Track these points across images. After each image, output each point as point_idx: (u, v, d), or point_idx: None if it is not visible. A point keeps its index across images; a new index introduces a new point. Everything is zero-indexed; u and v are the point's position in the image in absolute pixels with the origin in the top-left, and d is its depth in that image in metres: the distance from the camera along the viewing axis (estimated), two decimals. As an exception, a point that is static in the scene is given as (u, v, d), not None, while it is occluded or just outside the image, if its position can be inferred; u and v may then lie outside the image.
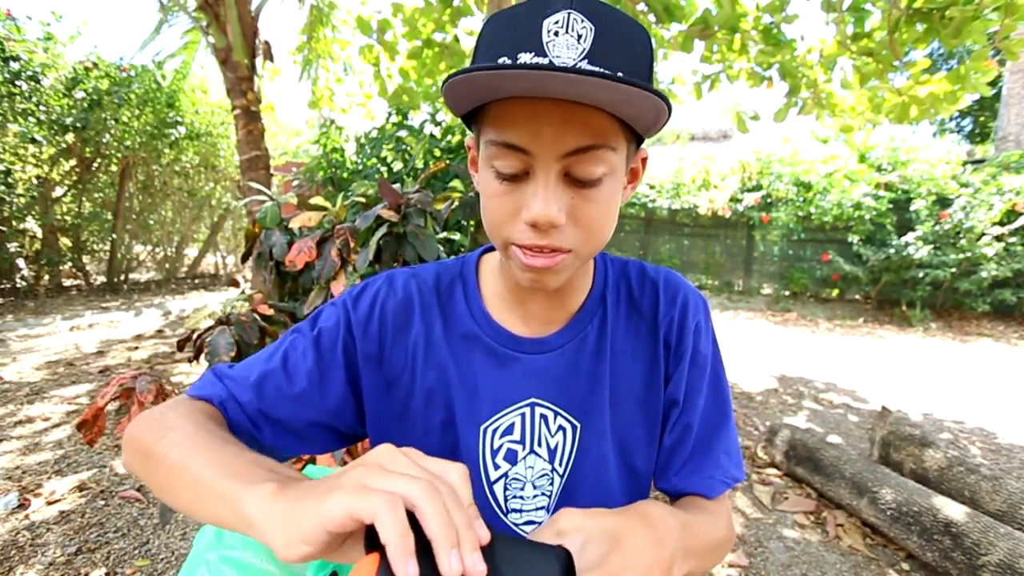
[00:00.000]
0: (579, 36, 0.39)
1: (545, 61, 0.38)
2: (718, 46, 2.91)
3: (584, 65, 0.39)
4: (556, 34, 0.39)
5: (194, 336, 1.32)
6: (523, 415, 0.55)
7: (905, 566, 1.50)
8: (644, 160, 0.53)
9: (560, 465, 0.56)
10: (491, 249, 0.62)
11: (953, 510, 1.45)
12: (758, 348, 4.54)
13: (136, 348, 3.65)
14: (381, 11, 3.41)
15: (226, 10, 3.64)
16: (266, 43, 3.97)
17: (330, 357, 0.54)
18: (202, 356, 1.28)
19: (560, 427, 0.55)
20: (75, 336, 3.94)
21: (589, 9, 0.40)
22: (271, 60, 4.08)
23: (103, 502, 1.68)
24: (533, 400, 0.55)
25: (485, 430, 0.54)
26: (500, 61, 0.40)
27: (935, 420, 2.81)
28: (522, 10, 0.41)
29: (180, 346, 1.39)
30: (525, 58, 0.39)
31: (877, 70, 2.63)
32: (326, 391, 0.54)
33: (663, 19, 2.73)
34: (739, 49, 2.90)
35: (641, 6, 2.79)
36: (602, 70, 0.38)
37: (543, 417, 0.55)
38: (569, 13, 0.40)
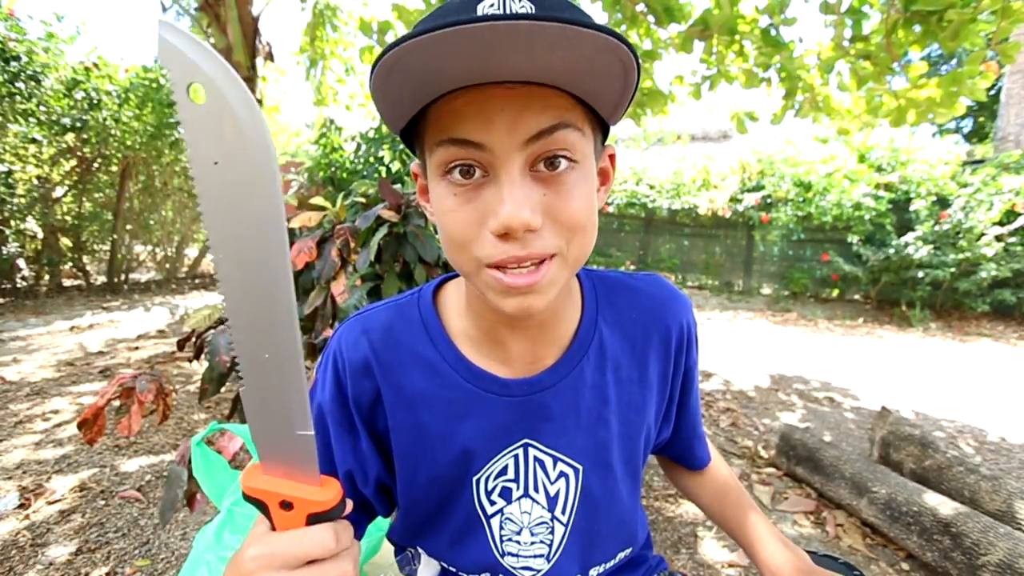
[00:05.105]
0: (516, 14, 0.33)
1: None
2: (717, 48, 2.91)
3: None
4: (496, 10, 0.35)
5: (194, 336, 1.33)
6: (516, 456, 0.50)
7: (905, 566, 1.50)
8: (612, 158, 0.47)
9: (563, 514, 0.52)
10: (445, 281, 0.54)
11: (953, 510, 1.45)
12: (758, 348, 4.54)
13: (136, 348, 3.65)
14: (380, 13, 3.40)
15: (226, 11, 3.65)
16: (267, 44, 3.98)
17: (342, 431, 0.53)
18: (202, 356, 1.29)
19: (561, 473, 0.51)
20: (75, 336, 3.94)
21: None
22: (272, 61, 4.09)
23: (103, 502, 1.68)
24: (526, 442, 0.50)
25: (477, 480, 0.51)
26: None
27: (935, 420, 2.80)
28: (452, 4, 0.37)
29: (180, 346, 1.40)
30: None
31: (874, 73, 2.63)
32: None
33: (662, 20, 2.73)
34: (738, 51, 2.90)
35: (640, 6, 2.79)
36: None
37: (538, 461, 0.51)
38: None
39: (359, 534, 0.58)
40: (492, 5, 0.35)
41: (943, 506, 1.48)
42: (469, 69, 0.33)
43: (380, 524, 0.80)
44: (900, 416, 2.12)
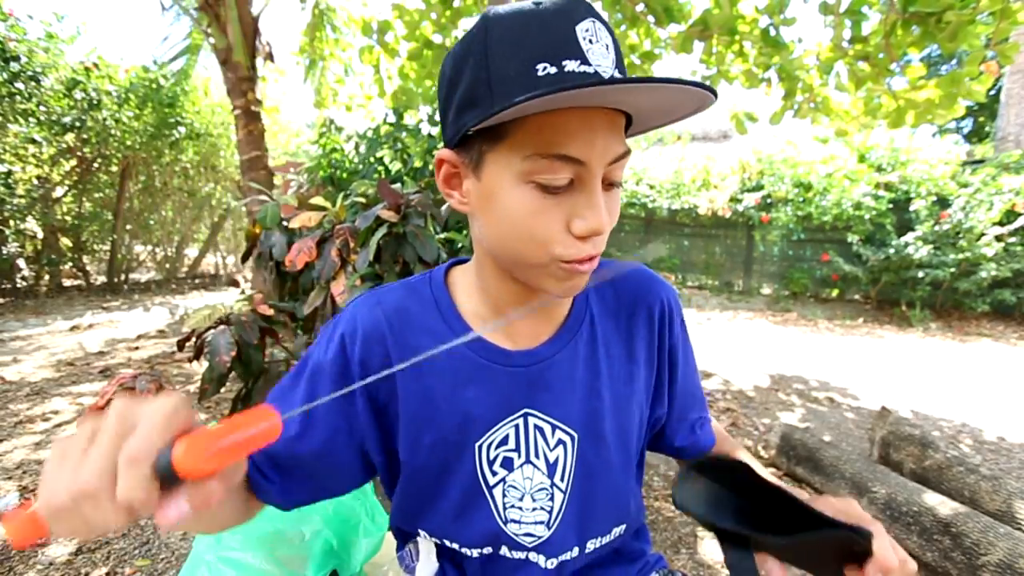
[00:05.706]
0: (606, 46, 0.41)
1: (591, 70, 0.40)
2: (717, 48, 2.91)
3: (616, 74, 0.41)
4: (591, 42, 0.40)
5: (194, 336, 1.33)
6: (517, 426, 0.54)
7: (904, 566, 1.50)
8: None
9: (562, 481, 0.55)
10: (452, 266, 0.60)
11: (953, 510, 1.45)
12: (758, 348, 4.54)
13: (136, 348, 3.65)
14: (381, 13, 3.41)
15: (226, 11, 3.65)
16: (267, 44, 3.98)
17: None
18: (202, 356, 1.29)
19: (560, 441, 0.55)
20: (75, 336, 3.95)
21: (602, 20, 0.42)
22: (272, 61, 4.10)
23: (103, 502, 1.68)
24: (526, 411, 0.54)
25: (480, 447, 0.54)
26: (540, 67, 0.39)
27: (935, 420, 2.81)
28: (546, 13, 0.40)
29: (180, 345, 1.40)
30: (571, 66, 0.39)
31: (873, 74, 2.63)
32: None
33: (662, 20, 2.73)
34: (737, 51, 2.90)
35: (640, 7, 2.79)
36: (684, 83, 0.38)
37: (538, 428, 0.54)
38: (593, 21, 0.41)
39: (344, 488, 0.57)
40: (587, 31, 0.40)
41: (943, 506, 1.48)
42: (583, 101, 0.39)
43: (380, 524, 0.80)
44: (900, 416, 2.12)
